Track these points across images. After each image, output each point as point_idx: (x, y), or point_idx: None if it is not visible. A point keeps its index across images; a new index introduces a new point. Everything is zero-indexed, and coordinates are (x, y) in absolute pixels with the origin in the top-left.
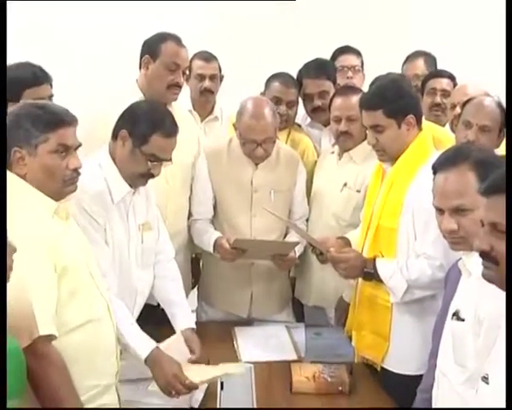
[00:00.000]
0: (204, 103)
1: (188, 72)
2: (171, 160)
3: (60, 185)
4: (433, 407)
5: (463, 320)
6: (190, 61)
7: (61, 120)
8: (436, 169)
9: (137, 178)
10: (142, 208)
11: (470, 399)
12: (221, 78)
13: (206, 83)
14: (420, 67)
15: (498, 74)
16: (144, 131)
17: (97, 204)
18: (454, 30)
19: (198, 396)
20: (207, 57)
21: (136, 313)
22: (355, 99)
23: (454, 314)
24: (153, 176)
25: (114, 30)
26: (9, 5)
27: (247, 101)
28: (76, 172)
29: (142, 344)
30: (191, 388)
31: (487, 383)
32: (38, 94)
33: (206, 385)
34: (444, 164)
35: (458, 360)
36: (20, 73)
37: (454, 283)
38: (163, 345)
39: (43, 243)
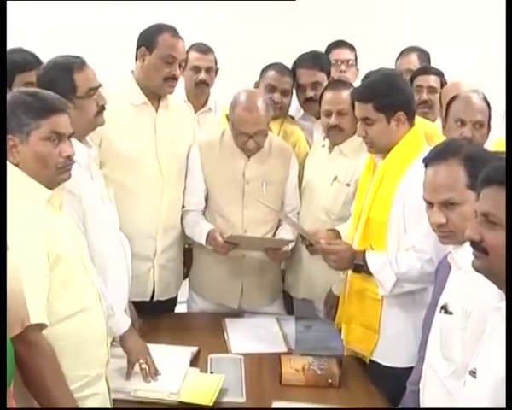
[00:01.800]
0: (198, 95)
1: (184, 63)
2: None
3: (53, 173)
4: (421, 398)
5: (451, 314)
6: (186, 53)
7: (53, 106)
8: (426, 163)
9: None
10: (97, 170)
11: (456, 392)
12: (216, 70)
13: (202, 75)
14: (413, 62)
15: (497, 72)
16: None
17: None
18: (450, 26)
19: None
20: (204, 49)
21: (130, 278)
22: (345, 93)
23: (442, 308)
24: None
25: (115, 29)
26: (9, 4)
27: (240, 93)
28: (69, 159)
29: (124, 319)
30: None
31: (475, 377)
32: (29, 79)
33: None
34: (434, 158)
35: (445, 353)
36: (11, 57)
37: (444, 276)
38: None
39: (36, 232)
